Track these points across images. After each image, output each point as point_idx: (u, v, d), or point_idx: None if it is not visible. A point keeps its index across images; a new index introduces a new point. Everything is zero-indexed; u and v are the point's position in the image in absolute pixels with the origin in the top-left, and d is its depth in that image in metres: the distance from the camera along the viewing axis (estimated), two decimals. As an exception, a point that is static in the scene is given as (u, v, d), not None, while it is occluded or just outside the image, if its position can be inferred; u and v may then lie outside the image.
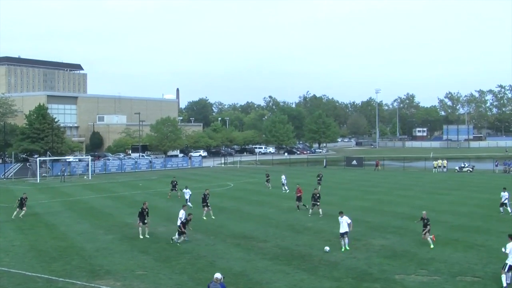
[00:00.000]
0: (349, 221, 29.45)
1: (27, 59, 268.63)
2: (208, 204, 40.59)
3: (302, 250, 28.91)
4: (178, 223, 31.71)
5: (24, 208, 41.35)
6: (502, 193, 42.37)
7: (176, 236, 31.36)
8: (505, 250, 22.72)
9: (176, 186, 52.90)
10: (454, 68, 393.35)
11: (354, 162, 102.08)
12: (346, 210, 41.77)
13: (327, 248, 28.71)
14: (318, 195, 41.56)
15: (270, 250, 29.13)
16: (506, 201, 42.01)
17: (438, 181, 70.76)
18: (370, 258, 27.10)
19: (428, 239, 29.73)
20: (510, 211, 41.63)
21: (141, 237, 32.64)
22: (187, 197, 44.89)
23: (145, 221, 33.15)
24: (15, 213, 41.61)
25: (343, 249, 28.80)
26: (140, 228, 33.08)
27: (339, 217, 29.68)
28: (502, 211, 41.93)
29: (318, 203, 40.91)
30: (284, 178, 60.53)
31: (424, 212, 31.30)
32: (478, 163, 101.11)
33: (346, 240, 29.21)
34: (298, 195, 44.06)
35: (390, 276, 23.87)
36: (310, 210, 41.31)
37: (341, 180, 72.71)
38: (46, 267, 25.66)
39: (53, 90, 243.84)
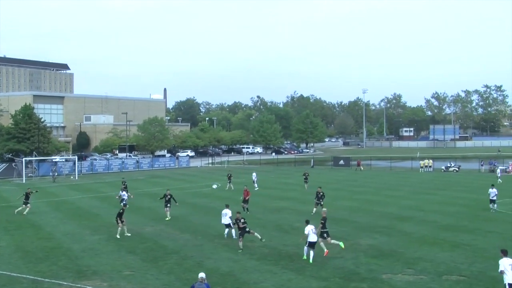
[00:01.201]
0: (315, 230, 26.90)
1: (13, 58, 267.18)
2: (170, 205, 40.40)
3: (289, 250, 28.92)
4: (228, 222, 32.35)
5: (29, 205, 42.17)
6: (490, 190, 42.77)
7: (234, 234, 31.85)
8: (500, 268, 19.47)
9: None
10: (441, 69, 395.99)
11: (342, 162, 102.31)
12: (334, 210, 42.18)
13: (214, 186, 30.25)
14: (321, 193, 42.11)
15: (258, 250, 29.12)
16: (494, 198, 42.41)
17: (425, 181, 71.04)
18: (358, 257, 27.15)
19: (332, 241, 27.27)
20: (496, 208, 42.19)
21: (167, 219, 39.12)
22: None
23: (168, 206, 40.01)
24: (19, 209, 42.06)
25: (310, 260, 26.36)
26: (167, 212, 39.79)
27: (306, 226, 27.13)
28: (492, 207, 42.39)
29: (322, 202, 41.41)
30: (255, 175, 62.66)
31: (324, 209, 30.95)
32: (464, 163, 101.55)
33: (312, 252, 26.51)
34: (246, 198, 42.90)
35: (377, 275, 23.93)
36: (314, 209, 41.47)
37: (329, 180, 72.80)
38: (32, 267, 25.52)
39: (40, 90, 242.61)
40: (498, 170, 73.66)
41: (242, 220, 29.40)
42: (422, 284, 22.80)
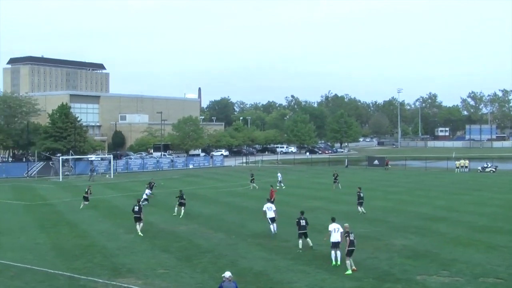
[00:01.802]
0: (341, 230, 26.15)
1: (50, 58, 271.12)
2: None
3: (323, 250, 28.79)
4: (272, 215, 33.66)
5: (87, 202, 45.70)
6: None
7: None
8: None
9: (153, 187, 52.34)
10: (478, 67, 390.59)
11: (376, 162, 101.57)
12: (368, 210, 41.96)
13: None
14: (361, 194, 42.47)
15: (291, 250, 29.10)
16: None
17: (460, 181, 70.19)
18: (392, 258, 26.97)
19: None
20: None
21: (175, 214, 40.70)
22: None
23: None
24: (82, 205, 45.56)
25: (338, 262, 25.84)
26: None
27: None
28: None
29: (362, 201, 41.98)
30: (280, 176, 63.65)
31: (346, 224, 26.06)
32: (501, 163, 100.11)
33: (339, 253, 26.00)
34: (272, 198, 42.21)
35: (411, 276, 23.74)
36: (359, 209, 41.81)
37: (363, 180, 72.30)
38: (68, 265, 25.89)
39: (76, 89, 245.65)
40: None
41: (353, 235, 25.15)
42: (458, 286, 22.54)
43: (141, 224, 34.07)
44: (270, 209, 33.75)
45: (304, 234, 29.23)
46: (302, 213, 30.43)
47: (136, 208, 34.36)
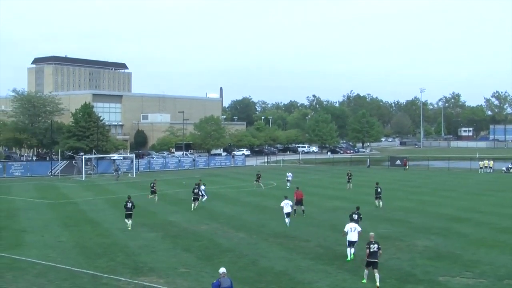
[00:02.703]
0: (359, 229, 26.97)
1: (74, 58, 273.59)
2: (199, 196, 45.30)
3: (344, 250, 28.64)
4: (289, 210, 36.43)
5: (154, 195, 48.55)
6: None
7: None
8: None
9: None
10: (502, 67, 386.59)
11: (398, 162, 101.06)
12: (389, 211, 41.82)
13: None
14: (379, 188, 44.74)
15: (312, 249, 29.07)
16: None
17: (484, 182, 69.61)
18: (414, 259, 26.80)
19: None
20: None
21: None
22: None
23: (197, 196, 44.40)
24: (150, 196, 49.72)
25: (352, 256, 26.78)
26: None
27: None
28: None
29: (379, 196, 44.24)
30: (290, 175, 64.26)
31: (371, 234, 24.22)
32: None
33: (353, 250, 26.84)
34: (299, 199, 40.94)
35: (434, 278, 23.57)
36: (377, 202, 44.41)
37: (385, 180, 72.00)
38: (91, 263, 26.07)
39: (99, 89, 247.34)
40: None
41: (376, 246, 23.14)
42: None
43: (131, 220, 35.52)
44: (287, 205, 36.28)
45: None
46: (357, 208, 32.33)
47: (129, 205, 35.69)
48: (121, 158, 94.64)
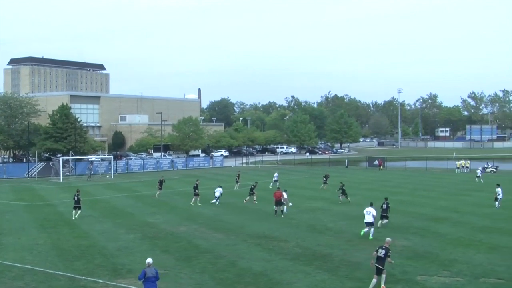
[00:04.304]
0: (374, 212, 32.67)
1: (51, 59, 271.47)
2: (198, 193, 47.88)
3: (323, 250, 28.83)
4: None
5: (197, 196, 48.19)
6: (497, 189, 45.32)
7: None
8: None
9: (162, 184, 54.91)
10: (478, 68, 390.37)
11: (376, 162, 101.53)
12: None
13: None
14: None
15: (291, 250, 29.10)
16: (499, 196, 44.91)
17: (461, 182, 70.21)
18: (392, 259, 26.89)
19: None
20: (497, 206, 44.60)
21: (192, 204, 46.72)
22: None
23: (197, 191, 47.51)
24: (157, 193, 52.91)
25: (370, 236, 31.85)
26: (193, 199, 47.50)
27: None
28: (497, 205, 44.74)
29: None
30: (277, 175, 64.85)
31: (388, 239, 23.54)
32: (502, 164, 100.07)
33: (368, 229, 32.33)
34: (278, 199, 40.91)
35: (412, 277, 23.72)
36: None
37: (363, 180, 72.45)
38: (69, 265, 25.86)
39: (76, 90, 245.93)
40: (479, 170, 73.76)
41: (384, 252, 22.37)
42: (458, 286, 22.54)
43: (79, 211, 39.65)
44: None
45: (385, 217, 35.69)
46: (386, 198, 36.90)
47: (76, 198, 39.70)
48: (99, 159, 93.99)
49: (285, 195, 41.87)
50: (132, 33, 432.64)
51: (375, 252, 22.32)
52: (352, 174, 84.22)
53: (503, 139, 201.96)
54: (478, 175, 71.31)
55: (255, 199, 48.17)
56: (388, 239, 23.24)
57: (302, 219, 39.65)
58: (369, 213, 32.44)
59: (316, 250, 28.98)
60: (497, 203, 44.99)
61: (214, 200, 47.69)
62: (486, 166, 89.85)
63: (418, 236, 32.76)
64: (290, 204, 43.17)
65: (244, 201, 48.10)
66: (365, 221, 32.49)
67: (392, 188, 61.66)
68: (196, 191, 47.88)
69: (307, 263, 26.23)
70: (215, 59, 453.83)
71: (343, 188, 53.02)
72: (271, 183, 62.63)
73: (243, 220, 38.98)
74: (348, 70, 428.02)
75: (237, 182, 62.16)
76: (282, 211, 40.77)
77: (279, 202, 40.79)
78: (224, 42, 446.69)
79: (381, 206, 36.37)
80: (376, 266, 22.10)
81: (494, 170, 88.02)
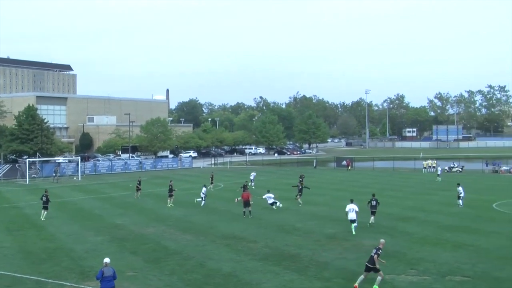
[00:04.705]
0: (357, 209, 34.12)
1: (16, 59, 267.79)
2: (172, 194, 48.22)
3: (291, 250, 28.93)
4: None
5: (171, 197, 48.48)
6: (458, 188, 46.38)
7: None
8: None
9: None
10: (444, 69, 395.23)
11: (344, 162, 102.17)
12: (337, 211, 42.20)
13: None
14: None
15: (260, 250, 29.14)
16: (461, 195, 45.91)
17: (427, 181, 70.97)
18: (360, 258, 27.07)
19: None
20: (461, 205, 45.48)
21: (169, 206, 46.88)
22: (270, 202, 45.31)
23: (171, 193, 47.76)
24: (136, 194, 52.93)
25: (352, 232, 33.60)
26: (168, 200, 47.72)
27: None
28: (459, 204, 45.64)
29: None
30: (254, 174, 66.46)
31: (382, 240, 23.75)
32: (467, 163, 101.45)
33: (354, 225, 33.98)
34: (246, 200, 40.95)
35: (379, 276, 23.88)
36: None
37: (332, 180, 72.83)
38: (35, 268, 25.56)
39: (43, 90, 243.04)
40: (439, 169, 76.45)
41: (374, 251, 22.62)
42: (425, 284, 22.78)
43: (46, 212, 40.27)
44: (269, 198, 43.74)
45: (373, 213, 36.75)
46: (373, 195, 38.03)
47: (44, 199, 40.50)
48: (66, 161, 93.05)
49: (271, 196, 44.85)
50: (99, 34, 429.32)
51: (372, 253, 22.45)
52: (320, 174, 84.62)
53: (468, 139, 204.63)
54: (438, 173, 73.91)
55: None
56: (381, 240, 23.63)
57: (271, 219, 39.71)
58: (352, 210, 33.91)
59: (285, 250, 29.07)
60: (460, 201, 45.86)
61: (200, 199, 47.65)
62: (452, 166, 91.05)
63: (386, 236, 32.92)
64: (280, 204, 45.07)
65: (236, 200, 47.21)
66: (349, 218, 34.02)
67: (360, 188, 62.04)
68: (171, 192, 48.09)
69: (276, 263, 26.30)
70: (183, 60, 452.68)
71: (302, 180, 53.98)
72: (252, 184, 62.92)
73: (212, 221, 38.92)
74: (317, 71, 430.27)
75: (211, 183, 61.99)
76: (249, 211, 40.79)
77: (246, 203, 40.82)
78: (192, 43, 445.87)
79: (370, 203, 37.47)
80: (366, 264, 22.31)
81: (460, 169, 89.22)
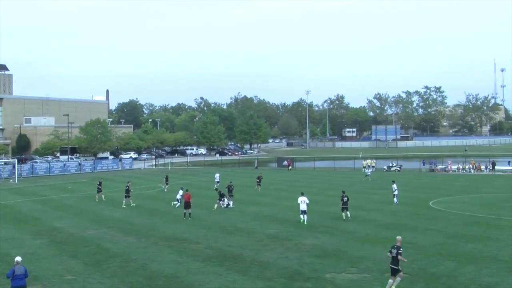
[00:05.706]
0: (307, 201, 37.53)
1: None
2: (130, 195, 48.49)
3: (234, 251, 28.94)
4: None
5: (128, 197, 48.60)
6: (393, 185, 47.87)
7: None
8: None
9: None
10: (383, 70, 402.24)
11: (285, 162, 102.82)
12: (278, 210, 42.49)
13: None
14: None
15: (202, 251, 29.06)
16: (395, 192, 47.62)
17: (367, 180, 71.98)
18: (302, 257, 27.34)
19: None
20: (396, 202, 47.23)
21: (124, 206, 46.89)
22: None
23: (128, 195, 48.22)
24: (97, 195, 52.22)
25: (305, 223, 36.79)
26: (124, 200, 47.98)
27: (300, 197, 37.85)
28: (395, 201, 47.08)
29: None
30: (218, 175, 65.94)
31: (398, 237, 23.35)
32: (405, 162, 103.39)
33: (305, 216, 37.29)
34: (187, 201, 40.89)
35: (321, 275, 24.14)
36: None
37: (272, 180, 73.13)
38: (-30, 274, 24.85)
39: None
40: (368, 170, 79.55)
41: (395, 251, 22.14)
42: (365, 282, 23.11)
43: None
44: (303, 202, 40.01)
45: (346, 208, 38.84)
46: (343, 192, 40.08)
47: None
48: (2, 163, 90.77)
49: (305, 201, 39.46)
50: (37, 34, 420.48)
51: (389, 253, 22.10)
52: (262, 174, 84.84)
53: (406, 138, 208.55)
54: (367, 174, 75.78)
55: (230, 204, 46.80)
56: (398, 237, 23.16)
57: (213, 220, 39.65)
58: (304, 202, 37.45)
59: (227, 251, 29.07)
60: (395, 199, 47.39)
61: (176, 202, 47.07)
62: (390, 165, 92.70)
63: (327, 235, 33.40)
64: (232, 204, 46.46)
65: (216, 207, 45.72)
66: (300, 209, 37.53)
67: (301, 188, 62.28)
68: (128, 193, 48.42)
69: (218, 264, 26.26)
70: (123, 61, 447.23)
71: (259, 182, 55.16)
72: (215, 185, 62.60)
73: (154, 223, 38.61)
74: (257, 72, 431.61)
75: (166, 184, 61.50)
76: (189, 213, 40.53)
77: (187, 205, 40.58)
78: (132, 44, 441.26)
79: (342, 199, 39.19)
80: (391, 267, 21.99)
81: (398, 169, 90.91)
